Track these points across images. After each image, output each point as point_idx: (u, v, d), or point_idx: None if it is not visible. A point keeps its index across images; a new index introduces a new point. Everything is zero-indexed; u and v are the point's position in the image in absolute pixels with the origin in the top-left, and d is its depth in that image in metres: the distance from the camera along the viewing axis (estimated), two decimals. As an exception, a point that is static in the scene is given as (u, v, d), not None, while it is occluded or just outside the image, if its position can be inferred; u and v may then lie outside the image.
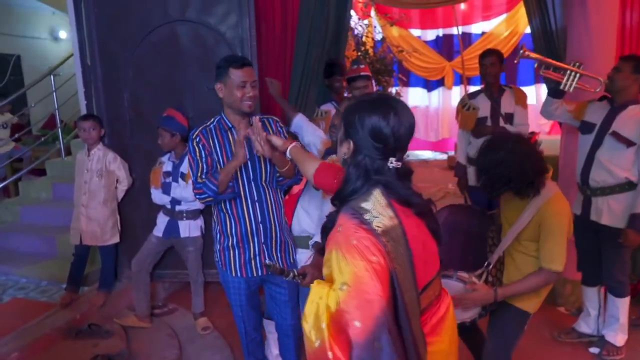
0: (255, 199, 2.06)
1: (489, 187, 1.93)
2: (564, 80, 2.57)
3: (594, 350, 2.78)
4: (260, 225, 2.06)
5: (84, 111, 3.51)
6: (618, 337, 2.68)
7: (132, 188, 3.39)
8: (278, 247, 2.14)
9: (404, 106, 1.22)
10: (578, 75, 2.54)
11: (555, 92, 2.68)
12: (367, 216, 1.15)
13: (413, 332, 1.15)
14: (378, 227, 1.13)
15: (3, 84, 5.90)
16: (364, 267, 1.08)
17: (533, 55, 2.64)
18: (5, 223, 4.45)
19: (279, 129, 2.14)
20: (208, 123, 2.08)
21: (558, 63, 2.63)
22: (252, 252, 2.07)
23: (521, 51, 2.59)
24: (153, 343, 2.99)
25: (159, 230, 3.13)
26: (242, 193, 2.04)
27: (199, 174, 1.99)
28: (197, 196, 2.00)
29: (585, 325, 2.87)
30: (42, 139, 5.60)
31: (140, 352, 2.87)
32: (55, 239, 3.93)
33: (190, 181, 2.81)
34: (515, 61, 2.66)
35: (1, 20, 7.47)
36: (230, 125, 2.04)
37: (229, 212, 2.06)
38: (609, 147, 2.53)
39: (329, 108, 3.37)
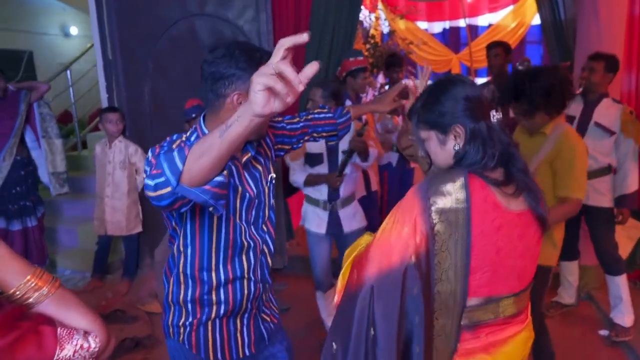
0: (260, 242, 1.40)
1: (528, 102, 1.98)
2: None
3: (603, 332, 2.86)
4: (260, 285, 1.41)
5: (105, 105, 3.61)
6: (625, 317, 2.78)
7: (152, 179, 3.49)
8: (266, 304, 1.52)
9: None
10: None
11: None
12: (432, 189, 1.07)
13: (429, 327, 1.07)
14: (434, 202, 1.05)
15: (17, 80, 5.99)
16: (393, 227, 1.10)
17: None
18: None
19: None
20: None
21: None
22: (240, 323, 1.40)
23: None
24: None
25: (180, 220, 3.22)
26: (243, 239, 1.34)
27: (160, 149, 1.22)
28: (148, 181, 1.02)
29: (568, 296, 3.14)
30: (59, 133, 5.69)
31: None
32: (77, 230, 4.05)
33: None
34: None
35: (13, 17, 7.57)
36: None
37: (220, 266, 1.32)
38: (593, 137, 2.74)
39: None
